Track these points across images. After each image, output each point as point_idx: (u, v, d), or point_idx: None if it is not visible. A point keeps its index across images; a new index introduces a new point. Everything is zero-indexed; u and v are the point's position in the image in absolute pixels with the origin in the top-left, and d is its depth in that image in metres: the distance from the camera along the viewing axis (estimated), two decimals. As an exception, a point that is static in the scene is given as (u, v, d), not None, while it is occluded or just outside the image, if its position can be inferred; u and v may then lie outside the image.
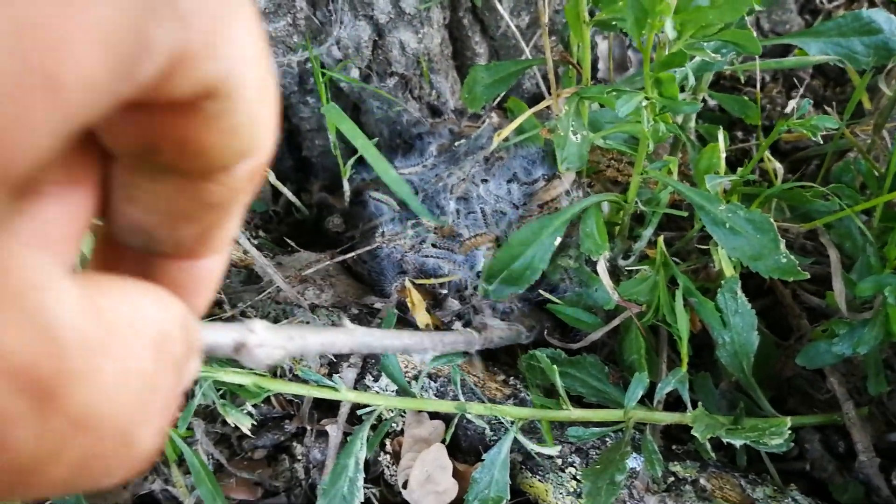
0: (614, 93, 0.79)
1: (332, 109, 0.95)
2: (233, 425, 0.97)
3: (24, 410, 0.17)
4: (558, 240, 0.90)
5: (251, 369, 0.78)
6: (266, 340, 0.36)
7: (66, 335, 0.18)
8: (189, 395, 0.78)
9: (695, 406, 0.83)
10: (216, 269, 0.29)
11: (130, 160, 0.25)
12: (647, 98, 0.77)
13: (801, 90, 1.20)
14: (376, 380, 0.92)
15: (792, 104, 1.16)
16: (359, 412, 0.79)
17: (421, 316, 0.97)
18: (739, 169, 0.89)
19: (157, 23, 0.18)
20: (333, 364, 0.93)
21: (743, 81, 1.13)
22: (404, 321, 0.98)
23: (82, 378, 0.19)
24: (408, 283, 0.98)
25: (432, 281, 0.99)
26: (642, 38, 0.72)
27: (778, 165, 0.92)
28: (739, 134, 1.17)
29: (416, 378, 0.89)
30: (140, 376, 0.21)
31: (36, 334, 0.17)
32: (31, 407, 0.18)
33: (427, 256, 1.00)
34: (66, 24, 0.16)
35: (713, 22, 0.67)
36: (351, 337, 0.52)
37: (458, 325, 1.00)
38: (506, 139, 0.99)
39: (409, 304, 0.97)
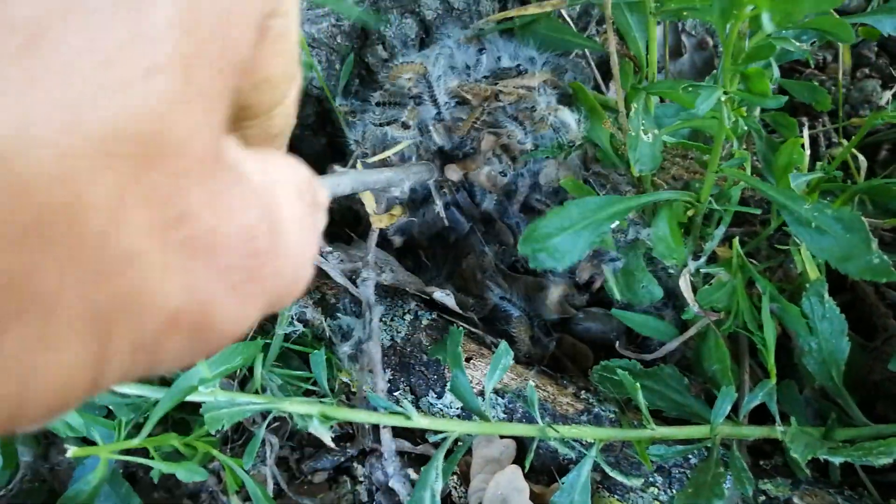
0: (689, 89, 0.74)
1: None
2: (289, 449, 0.93)
3: (270, 244, 0.24)
4: (615, 224, 0.85)
5: (321, 398, 0.74)
6: None
7: (256, 187, 0.24)
8: (253, 426, 0.74)
9: (782, 417, 0.78)
10: None
11: None
12: (725, 93, 0.72)
13: (867, 70, 1.13)
14: (439, 397, 0.88)
15: (881, 93, 1.09)
16: (431, 439, 0.75)
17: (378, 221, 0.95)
18: (818, 163, 0.84)
19: None
20: (394, 381, 0.89)
21: (813, 66, 1.07)
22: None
23: (282, 218, 0.25)
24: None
25: (385, 155, 0.92)
26: (726, 30, 0.67)
27: (861, 159, 0.86)
28: (805, 119, 1.11)
29: (481, 395, 0.85)
30: (302, 220, 0.27)
31: (250, 191, 0.23)
32: (272, 240, 0.24)
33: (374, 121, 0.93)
34: None
35: (808, 12, 0.61)
36: (352, 178, 0.64)
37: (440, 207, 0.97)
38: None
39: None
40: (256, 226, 0.23)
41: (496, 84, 0.93)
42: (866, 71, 1.14)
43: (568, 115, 0.94)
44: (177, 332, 0.21)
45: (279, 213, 0.24)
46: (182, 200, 0.20)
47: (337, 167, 0.76)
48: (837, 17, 0.69)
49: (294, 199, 0.27)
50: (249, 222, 0.23)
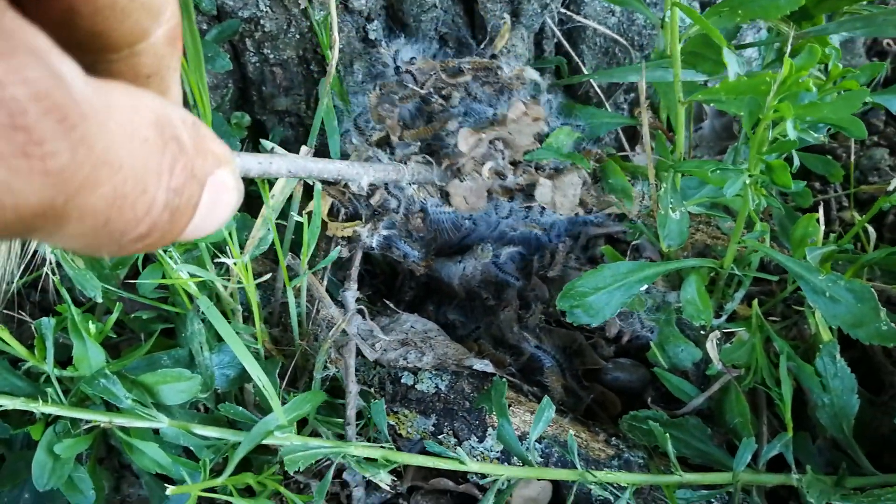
0: (717, 171, 0.82)
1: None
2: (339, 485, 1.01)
3: (53, 129, 0.21)
4: (645, 287, 0.93)
5: (379, 443, 0.82)
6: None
7: (72, 83, 0.22)
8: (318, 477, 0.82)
9: (797, 466, 0.86)
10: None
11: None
12: (750, 175, 0.81)
13: (876, 138, 1.22)
14: (480, 441, 0.96)
15: (889, 160, 1.18)
16: (482, 482, 0.83)
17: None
18: (832, 234, 0.93)
19: None
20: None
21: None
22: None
23: (93, 122, 0.23)
24: None
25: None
26: (752, 127, 0.75)
27: (871, 231, 0.94)
28: (816, 184, 1.19)
29: (521, 439, 0.93)
30: (145, 141, 0.25)
31: (47, 72, 0.21)
32: (57, 127, 0.22)
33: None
34: None
35: (827, 120, 0.70)
36: (289, 162, 0.60)
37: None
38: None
39: None
40: (26, 100, 0.21)
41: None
42: (875, 139, 1.23)
43: (533, 73, 1.01)
44: None
45: (84, 107, 0.23)
46: None
47: (279, 149, 0.71)
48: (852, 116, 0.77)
49: (140, 120, 0.25)
50: (16, 95, 0.21)
